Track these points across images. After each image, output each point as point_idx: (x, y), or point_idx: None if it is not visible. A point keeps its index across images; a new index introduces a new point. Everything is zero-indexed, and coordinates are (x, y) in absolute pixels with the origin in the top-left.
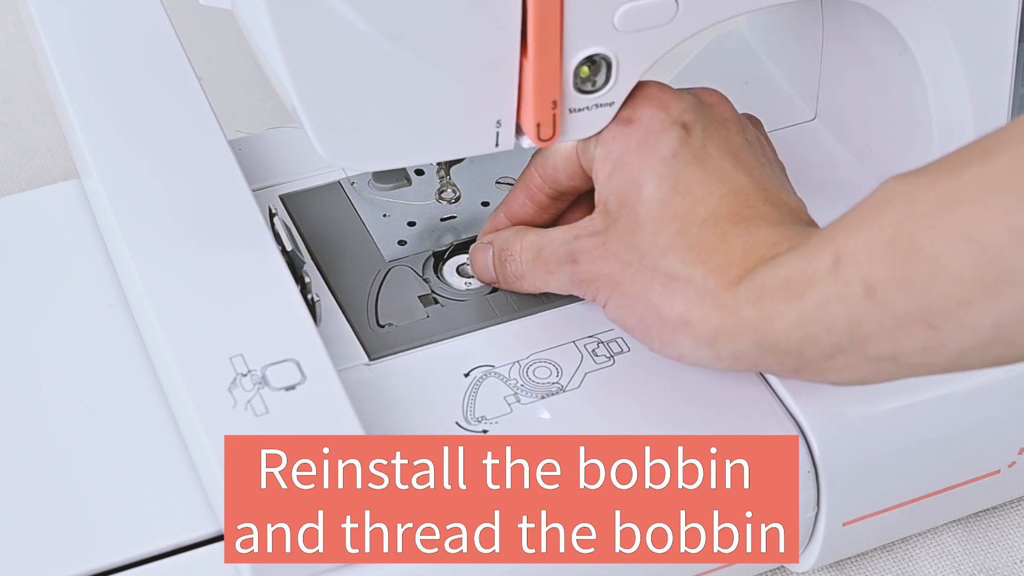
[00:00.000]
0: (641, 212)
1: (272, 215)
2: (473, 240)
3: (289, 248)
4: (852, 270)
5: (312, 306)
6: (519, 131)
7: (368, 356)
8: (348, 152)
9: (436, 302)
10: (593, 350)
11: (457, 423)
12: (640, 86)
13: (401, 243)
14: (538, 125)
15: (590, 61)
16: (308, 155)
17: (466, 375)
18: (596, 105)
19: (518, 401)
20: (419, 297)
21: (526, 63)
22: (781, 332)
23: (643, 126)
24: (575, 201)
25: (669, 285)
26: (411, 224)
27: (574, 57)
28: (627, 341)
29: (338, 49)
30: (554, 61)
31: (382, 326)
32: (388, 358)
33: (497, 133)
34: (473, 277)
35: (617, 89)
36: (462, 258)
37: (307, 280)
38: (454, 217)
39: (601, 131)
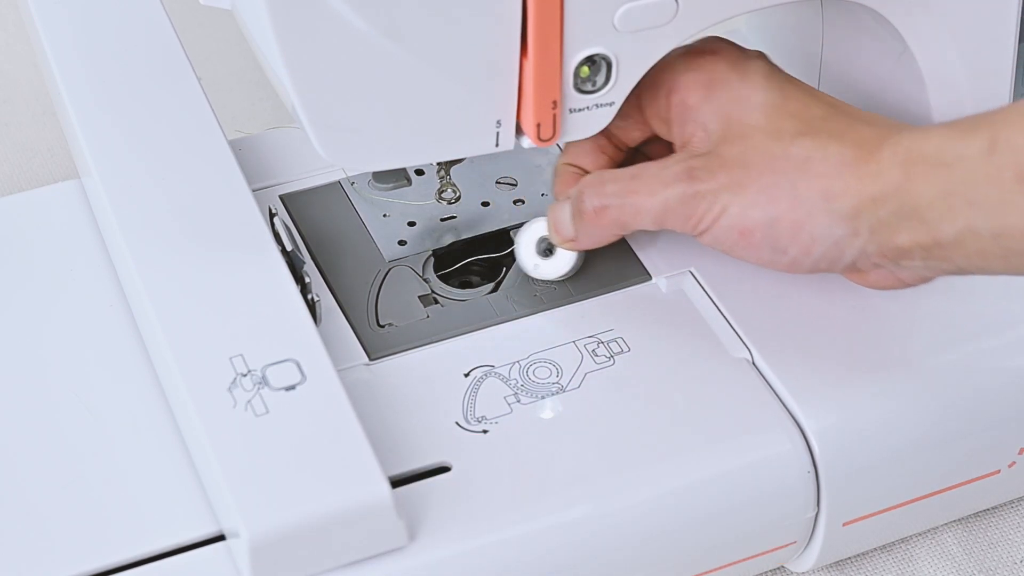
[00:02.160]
0: (755, 117)
1: (272, 215)
2: (474, 240)
3: (289, 248)
4: (1008, 156)
5: (312, 306)
6: (519, 131)
7: (368, 356)
8: (348, 152)
9: (436, 302)
10: (593, 350)
11: (457, 423)
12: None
13: (401, 243)
14: (538, 125)
15: (590, 61)
16: (308, 155)
17: (466, 375)
18: (596, 105)
19: (518, 401)
20: (419, 297)
21: (526, 63)
22: (925, 199)
23: (728, 54)
24: None
25: (804, 166)
26: (411, 224)
27: (574, 57)
28: (626, 341)
29: (338, 49)
30: (554, 61)
31: (382, 326)
32: (388, 358)
33: (497, 133)
34: (547, 258)
35: (617, 89)
36: (538, 228)
37: (307, 280)
38: (454, 217)
39: (667, 67)
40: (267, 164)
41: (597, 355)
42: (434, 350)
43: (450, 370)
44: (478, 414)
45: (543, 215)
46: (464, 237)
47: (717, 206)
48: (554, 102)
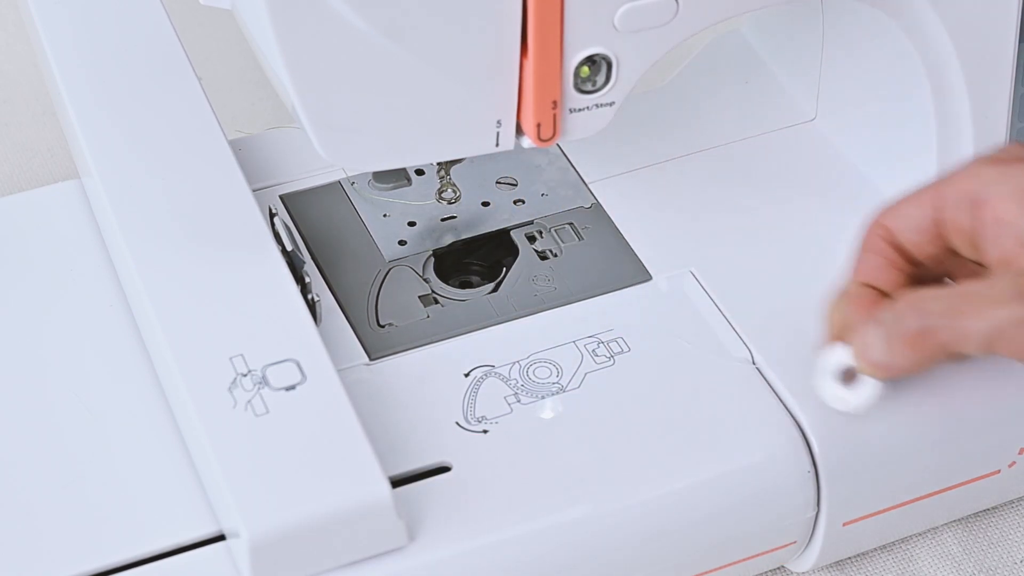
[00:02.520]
0: None
1: (272, 215)
2: (474, 240)
3: (289, 248)
4: None
5: (312, 306)
6: (519, 131)
7: (368, 356)
8: (348, 152)
9: (436, 302)
10: (593, 350)
11: (457, 423)
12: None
13: (401, 243)
14: (538, 125)
15: (590, 61)
16: (308, 155)
17: (466, 375)
18: (596, 105)
19: (518, 401)
20: (419, 297)
21: (526, 63)
22: None
23: None
24: None
25: None
26: (411, 224)
27: (574, 57)
28: (626, 341)
29: (338, 49)
30: (554, 61)
31: (382, 326)
32: (388, 358)
33: (497, 133)
34: (850, 387)
35: (617, 89)
36: (838, 357)
37: (307, 280)
38: (454, 217)
39: (970, 179)
40: (267, 164)
41: (597, 355)
42: (434, 350)
43: (450, 370)
44: (478, 414)
45: (543, 214)
46: (464, 237)
47: None
48: (554, 102)
